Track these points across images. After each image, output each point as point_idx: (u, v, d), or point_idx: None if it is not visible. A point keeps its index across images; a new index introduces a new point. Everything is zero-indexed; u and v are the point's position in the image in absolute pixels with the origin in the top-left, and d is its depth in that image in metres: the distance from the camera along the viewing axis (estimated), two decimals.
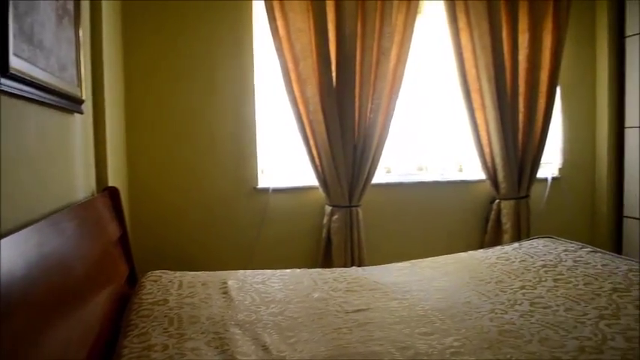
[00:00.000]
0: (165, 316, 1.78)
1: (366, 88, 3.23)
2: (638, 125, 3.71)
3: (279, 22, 3.11)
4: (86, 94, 2.11)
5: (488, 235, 3.65)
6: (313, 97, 3.15)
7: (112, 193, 2.39)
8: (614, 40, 3.86)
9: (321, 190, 3.28)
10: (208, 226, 3.27)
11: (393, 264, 2.55)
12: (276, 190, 3.32)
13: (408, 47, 3.32)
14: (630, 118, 3.78)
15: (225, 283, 2.18)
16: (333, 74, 3.18)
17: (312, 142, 3.20)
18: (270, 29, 3.11)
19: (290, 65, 3.15)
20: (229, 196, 3.29)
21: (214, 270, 2.41)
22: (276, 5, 3.10)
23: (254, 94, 3.28)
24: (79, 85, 1.98)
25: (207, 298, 1.99)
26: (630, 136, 3.79)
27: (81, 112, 2.02)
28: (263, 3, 3.10)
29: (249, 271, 2.39)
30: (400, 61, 3.30)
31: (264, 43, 3.25)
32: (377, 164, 3.33)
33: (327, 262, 3.27)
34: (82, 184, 2.10)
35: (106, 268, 1.95)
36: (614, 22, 3.85)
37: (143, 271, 2.35)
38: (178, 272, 2.35)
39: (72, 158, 1.97)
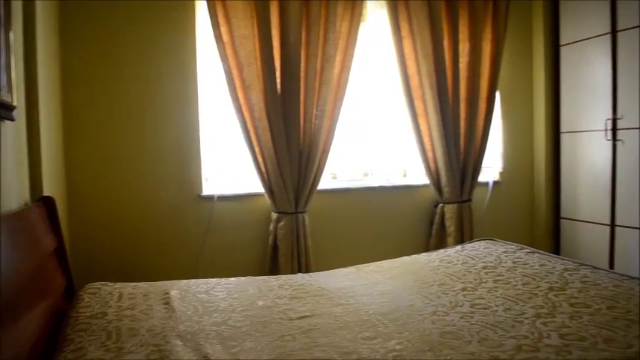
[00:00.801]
0: (103, 330, 1.72)
1: (311, 94, 3.24)
2: (572, 130, 3.88)
3: (223, 28, 3.09)
4: (18, 99, 2.02)
5: (433, 238, 3.73)
6: (258, 104, 3.14)
7: (48, 203, 2.29)
8: (549, 49, 4.03)
9: (266, 197, 3.26)
10: (152, 235, 3.19)
11: (339, 269, 2.56)
12: (222, 198, 3.28)
13: (352, 54, 3.35)
14: (565, 124, 3.95)
15: (168, 293, 2.13)
16: (278, 81, 3.17)
17: (257, 149, 3.18)
18: (213, 35, 3.07)
19: (234, 71, 3.12)
20: (173, 204, 3.22)
21: (159, 280, 2.35)
22: (219, 11, 3.07)
23: (197, 100, 3.23)
24: (10, 90, 1.89)
25: (147, 309, 1.94)
26: (565, 141, 3.96)
27: (12, 119, 1.93)
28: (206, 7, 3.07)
29: (192, 281, 2.34)
30: (344, 68, 3.33)
31: (207, 47, 3.21)
32: (322, 170, 3.35)
33: (274, 269, 3.25)
34: (14, 194, 2.01)
35: (40, 282, 1.86)
36: (550, 32, 4.02)
37: (84, 284, 2.26)
38: (119, 283, 2.27)
39: (1, 167, 1.88)
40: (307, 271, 3.20)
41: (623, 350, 1.48)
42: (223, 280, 2.35)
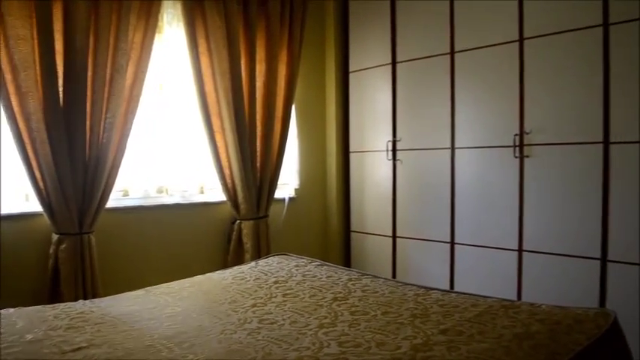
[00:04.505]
0: None
1: (99, 105, 3.01)
2: (359, 150, 4.21)
3: None
4: None
5: (231, 255, 3.72)
6: (36, 113, 2.82)
7: None
8: (340, 75, 4.35)
9: (46, 217, 2.94)
10: None
11: (126, 293, 2.40)
12: None
13: (146, 66, 3.21)
14: (354, 144, 4.28)
15: None
16: (60, 89, 2.89)
17: (34, 163, 2.84)
18: None
19: (8, 75, 2.76)
20: None
21: None
22: None
23: None
24: None
25: None
26: (354, 160, 4.29)
27: None
28: None
29: None
30: (137, 80, 3.17)
31: None
32: (112, 187, 3.12)
33: (54, 296, 2.92)
34: None
35: None
36: (341, 59, 4.34)
37: None
38: None
39: None
40: (94, 296, 2.94)
41: (392, 352, 1.61)
42: None
